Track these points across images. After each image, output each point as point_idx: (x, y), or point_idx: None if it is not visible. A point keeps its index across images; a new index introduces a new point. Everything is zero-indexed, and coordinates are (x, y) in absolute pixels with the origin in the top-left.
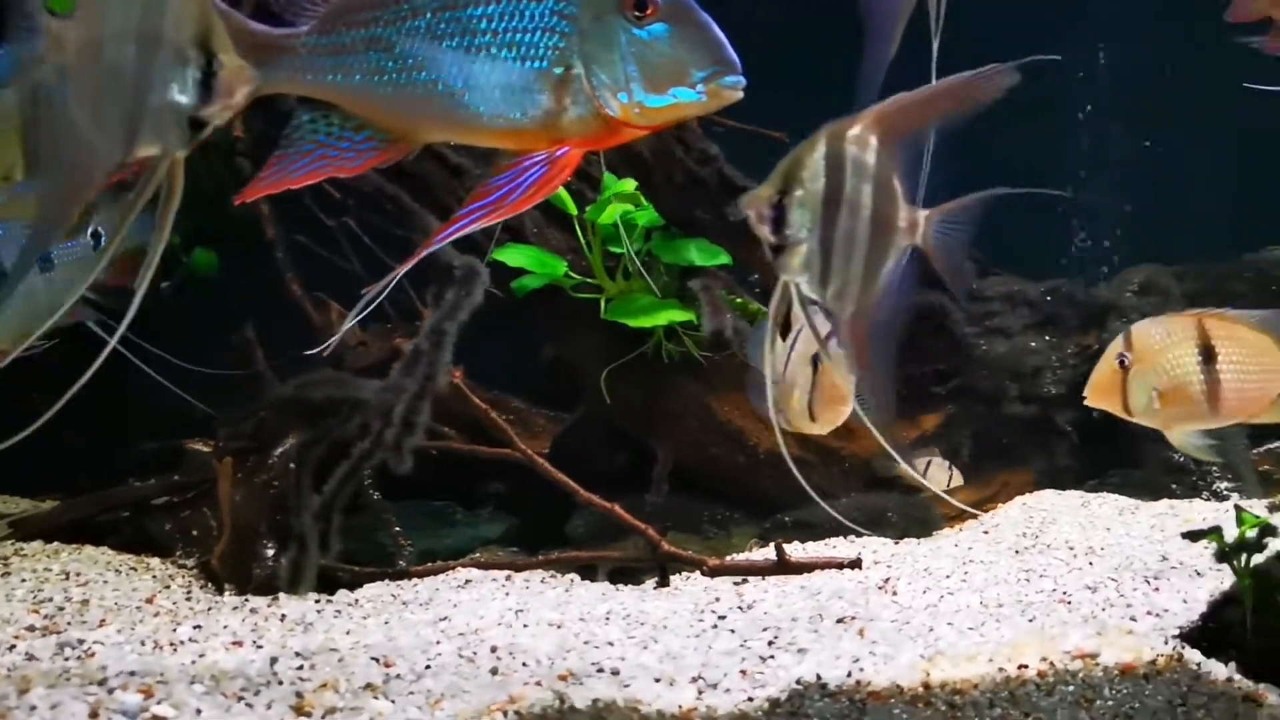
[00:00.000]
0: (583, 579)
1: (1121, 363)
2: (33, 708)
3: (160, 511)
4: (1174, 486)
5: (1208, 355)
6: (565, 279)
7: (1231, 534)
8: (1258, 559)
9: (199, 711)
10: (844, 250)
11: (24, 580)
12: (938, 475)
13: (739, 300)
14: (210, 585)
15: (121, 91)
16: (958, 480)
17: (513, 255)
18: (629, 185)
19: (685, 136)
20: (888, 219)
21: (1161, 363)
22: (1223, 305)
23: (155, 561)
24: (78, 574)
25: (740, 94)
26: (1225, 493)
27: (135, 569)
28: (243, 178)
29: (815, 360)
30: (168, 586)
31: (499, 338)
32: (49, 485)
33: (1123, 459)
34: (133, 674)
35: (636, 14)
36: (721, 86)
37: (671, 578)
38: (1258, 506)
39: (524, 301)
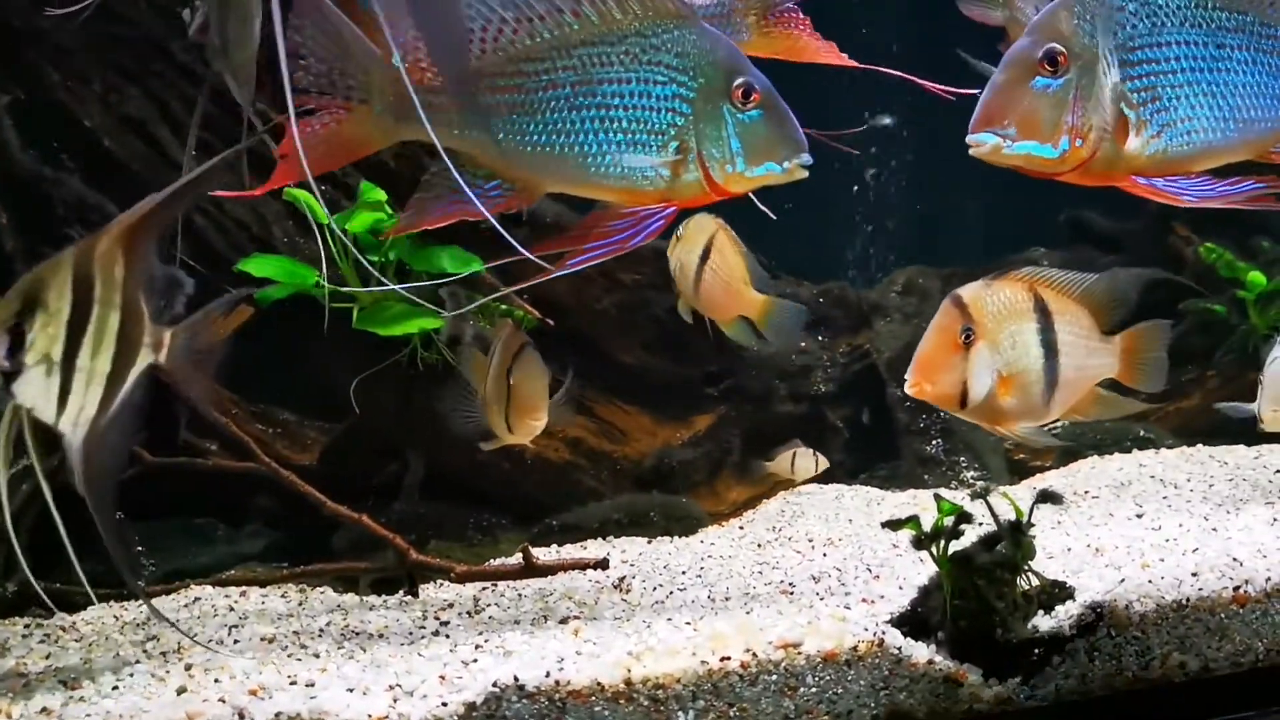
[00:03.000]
0: (338, 592)
1: (966, 337)
2: None
3: None
4: (926, 477)
5: (1047, 331)
6: (316, 288)
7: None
8: (961, 545)
9: None
10: (86, 373)
11: None
12: (804, 464)
13: (503, 306)
14: None
15: None
16: (824, 465)
17: (259, 266)
18: (381, 194)
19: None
20: (133, 338)
21: (1003, 339)
22: None
23: None
24: None
25: (807, 172)
26: (972, 481)
27: None
28: None
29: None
30: None
31: (276, 350)
32: None
33: (889, 452)
34: None
35: (742, 101)
36: (799, 164)
37: (424, 586)
38: (999, 492)
39: (295, 311)
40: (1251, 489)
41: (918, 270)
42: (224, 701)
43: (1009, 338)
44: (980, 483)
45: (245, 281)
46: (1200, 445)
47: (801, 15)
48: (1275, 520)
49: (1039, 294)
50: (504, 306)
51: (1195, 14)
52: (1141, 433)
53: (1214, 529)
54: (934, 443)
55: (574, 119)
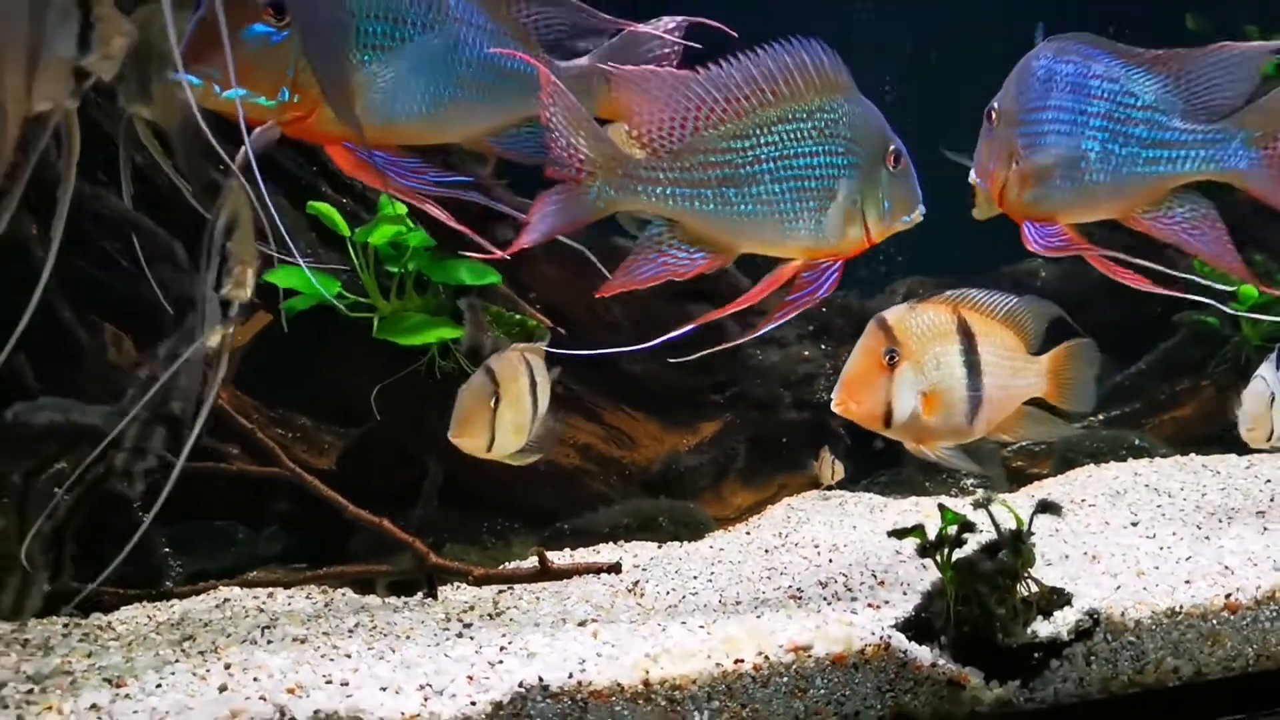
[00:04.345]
0: (357, 593)
1: (890, 358)
2: None
3: None
4: (927, 484)
5: (970, 352)
6: (339, 299)
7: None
8: (964, 552)
9: None
10: None
11: None
12: (825, 470)
13: (517, 316)
14: None
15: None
16: (840, 474)
17: (284, 277)
18: (401, 209)
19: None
20: None
21: (927, 359)
22: None
23: None
24: None
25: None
26: (972, 489)
27: None
28: None
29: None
30: None
31: (295, 356)
32: None
33: (890, 459)
34: None
35: (894, 164)
36: (919, 214)
37: (443, 589)
38: (999, 501)
39: (315, 321)
40: (1243, 498)
41: (917, 281)
42: (265, 700)
43: (933, 359)
44: (981, 490)
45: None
46: (1194, 454)
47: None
48: (1266, 529)
49: (963, 316)
50: (518, 317)
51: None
52: (1137, 441)
53: (1206, 537)
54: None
55: (775, 190)
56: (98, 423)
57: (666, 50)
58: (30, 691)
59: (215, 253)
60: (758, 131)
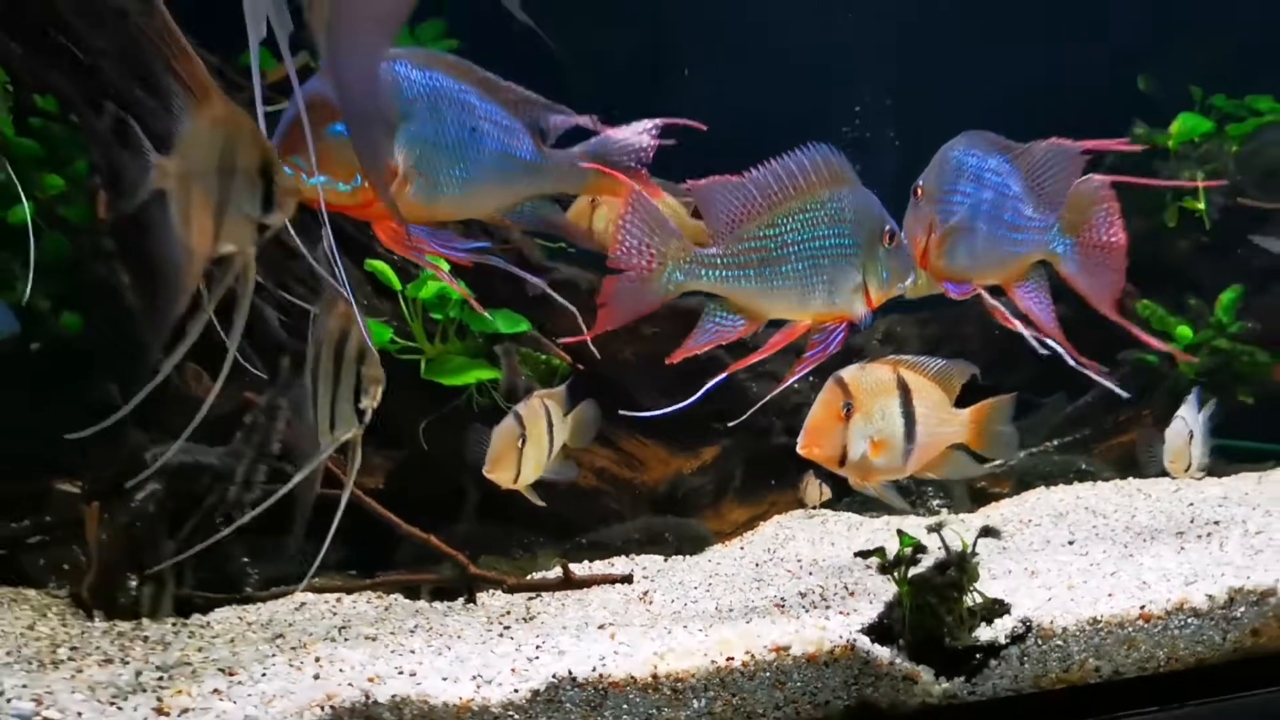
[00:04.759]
0: (406, 598)
1: (846, 411)
2: None
3: (34, 549)
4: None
5: (907, 405)
6: (391, 344)
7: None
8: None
9: (79, 714)
10: None
11: None
12: (811, 492)
13: (544, 357)
14: (81, 613)
15: (208, 207)
16: (826, 495)
17: None
18: (444, 264)
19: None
20: None
21: (875, 411)
22: (958, 348)
23: (31, 593)
24: None
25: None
26: (937, 508)
27: (15, 600)
28: (103, 253)
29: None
30: (44, 615)
31: None
32: None
33: None
34: (24, 686)
35: (889, 242)
36: (912, 282)
37: (480, 595)
38: (960, 521)
39: None
40: (1167, 519)
41: (897, 318)
42: (352, 686)
43: (879, 410)
44: (945, 509)
45: None
46: (1131, 479)
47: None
48: (1182, 549)
49: (901, 374)
50: (544, 357)
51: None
52: (1084, 466)
53: (1131, 555)
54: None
55: (798, 268)
56: (215, 461)
57: (644, 148)
58: (161, 678)
59: (350, 374)
60: (783, 221)
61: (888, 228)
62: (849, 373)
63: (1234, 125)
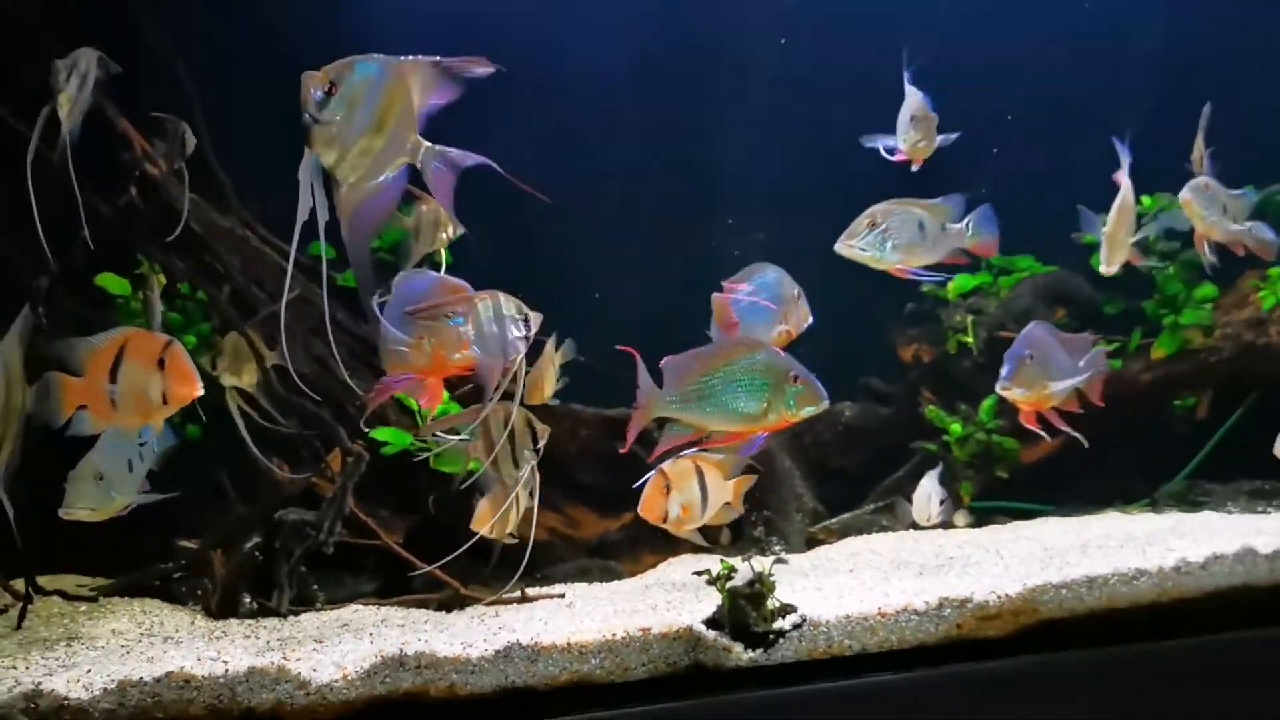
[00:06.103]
0: (420, 609)
1: (667, 489)
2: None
3: (176, 581)
4: (752, 549)
5: (702, 483)
6: (411, 445)
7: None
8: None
9: (243, 658)
10: None
11: (121, 616)
12: (725, 536)
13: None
14: (212, 620)
15: (495, 338)
16: (726, 539)
17: (380, 434)
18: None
19: None
20: None
21: (684, 489)
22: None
23: (181, 608)
24: (145, 612)
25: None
26: (777, 551)
27: (174, 610)
28: (217, 386)
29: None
30: (195, 619)
31: (383, 471)
32: (90, 568)
33: (736, 536)
34: (207, 647)
35: (793, 383)
36: (824, 405)
37: (467, 608)
38: (787, 559)
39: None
40: (920, 556)
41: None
42: (392, 645)
43: (687, 488)
44: (782, 551)
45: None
46: (911, 529)
47: None
48: (920, 574)
49: (699, 465)
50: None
51: None
52: (884, 522)
53: (886, 578)
54: (759, 529)
55: (725, 399)
56: (311, 518)
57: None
58: (281, 645)
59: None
60: (718, 374)
61: (792, 373)
62: (666, 466)
63: (1004, 278)
